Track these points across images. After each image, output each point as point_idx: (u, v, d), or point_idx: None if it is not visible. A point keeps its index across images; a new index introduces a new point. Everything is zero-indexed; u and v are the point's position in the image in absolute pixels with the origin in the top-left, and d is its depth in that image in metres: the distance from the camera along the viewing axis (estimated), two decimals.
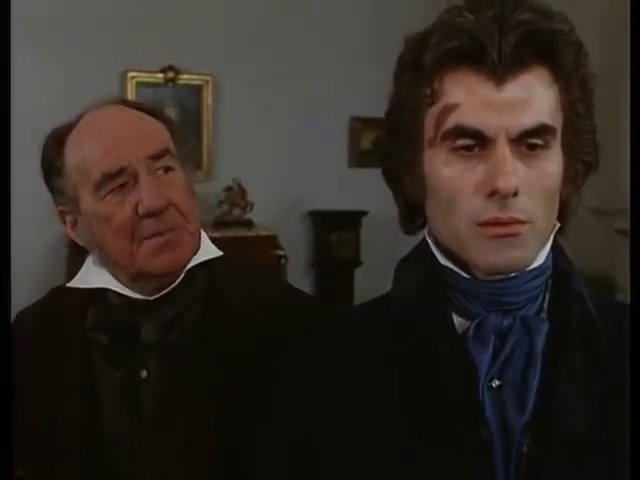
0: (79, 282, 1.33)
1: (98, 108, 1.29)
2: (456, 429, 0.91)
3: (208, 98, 5.46)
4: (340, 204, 5.74)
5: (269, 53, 5.55)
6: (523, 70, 0.89)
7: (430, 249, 1.00)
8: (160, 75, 5.31)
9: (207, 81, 5.44)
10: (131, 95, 5.11)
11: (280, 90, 5.59)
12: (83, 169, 1.22)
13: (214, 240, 1.36)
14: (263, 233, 5.29)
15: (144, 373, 1.27)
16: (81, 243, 1.31)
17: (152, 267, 1.23)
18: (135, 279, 1.26)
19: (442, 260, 0.98)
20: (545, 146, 0.91)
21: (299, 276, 5.66)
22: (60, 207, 1.30)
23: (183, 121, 5.29)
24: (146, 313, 1.28)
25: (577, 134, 0.95)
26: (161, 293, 1.28)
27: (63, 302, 1.35)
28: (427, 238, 1.02)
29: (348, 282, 5.80)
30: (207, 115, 5.48)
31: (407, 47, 0.95)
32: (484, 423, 0.91)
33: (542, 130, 0.90)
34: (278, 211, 5.65)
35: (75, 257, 1.37)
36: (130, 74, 5.18)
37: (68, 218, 1.30)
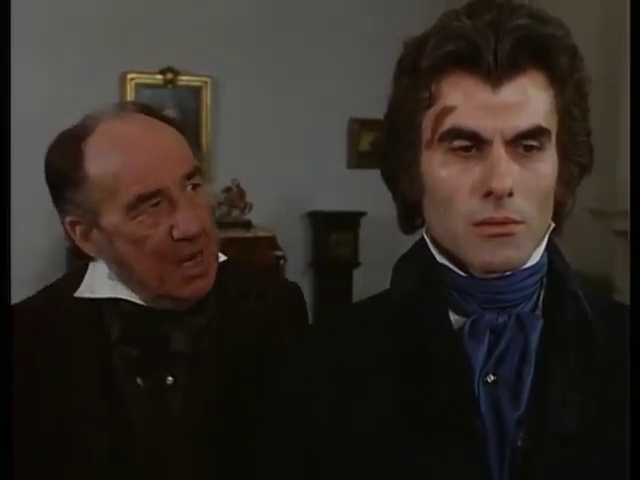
0: (87, 292, 1.29)
1: (117, 117, 1.24)
2: (451, 423, 0.93)
3: (207, 99, 5.46)
4: (339, 205, 5.74)
5: (268, 55, 5.55)
6: (519, 74, 0.91)
7: (427, 247, 1.02)
8: (159, 76, 5.31)
9: (206, 82, 5.44)
10: (130, 96, 5.11)
11: (279, 91, 5.60)
12: (112, 187, 1.18)
13: None
14: (262, 234, 5.30)
15: (170, 379, 1.26)
16: (92, 254, 1.28)
17: (182, 293, 1.23)
18: (158, 298, 1.25)
19: (439, 258, 1.00)
20: (540, 148, 0.93)
21: (298, 277, 5.66)
22: (71, 218, 1.24)
23: (182, 122, 5.29)
24: (174, 322, 1.26)
25: (572, 136, 0.96)
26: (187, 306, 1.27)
27: (62, 307, 1.30)
28: (425, 237, 1.03)
29: (347, 283, 5.80)
30: (206, 116, 5.49)
31: (406, 51, 0.97)
32: (479, 417, 0.92)
33: (537, 132, 0.91)
34: (277, 212, 5.65)
35: (75, 260, 1.32)
36: (129, 75, 5.19)
37: (79, 228, 1.25)
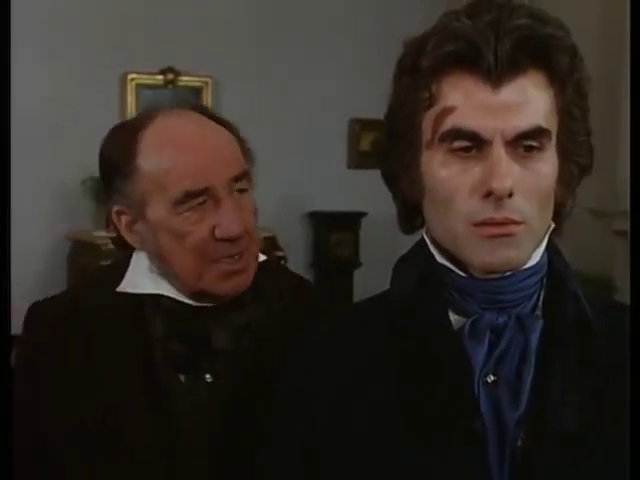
0: (129, 287, 1.30)
1: (173, 113, 1.27)
2: (451, 423, 0.93)
3: (208, 100, 5.46)
4: (339, 205, 5.75)
5: (269, 55, 5.56)
6: (519, 74, 0.91)
7: (427, 248, 1.02)
8: (160, 77, 5.32)
9: (207, 83, 5.45)
10: (130, 97, 5.12)
11: (280, 92, 5.60)
12: (161, 182, 1.21)
13: None
14: (262, 234, 5.24)
15: (208, 377, 1.27)
16: (135, 245, 1.30)
17: (219, 290, 1.24)
18: (195, 294, 1.26)
19: (439, 259, 1.00)
20: (540, 148, 0.93)
21: None
22: (118, 207, 1.27)
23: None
24: (214, 320, 1.27)
25: (572, 137, 0.97)
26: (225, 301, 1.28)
27: (105, 301, 1.31)
28: (425, 237, 1.03)
29: (347, 283, 5.80)
30: None
31: (406, 51, 0.97)
32: (479, 417, 0.93)
33: (537, 132, 0.92)
34: (277, 212, 5.65)
35: (121, 254, 1.32)
36: (130, 76, 5.19)
37: (125, 218, 1.27)
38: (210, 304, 1.28)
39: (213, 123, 1.29)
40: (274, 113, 5.59)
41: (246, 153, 1.31)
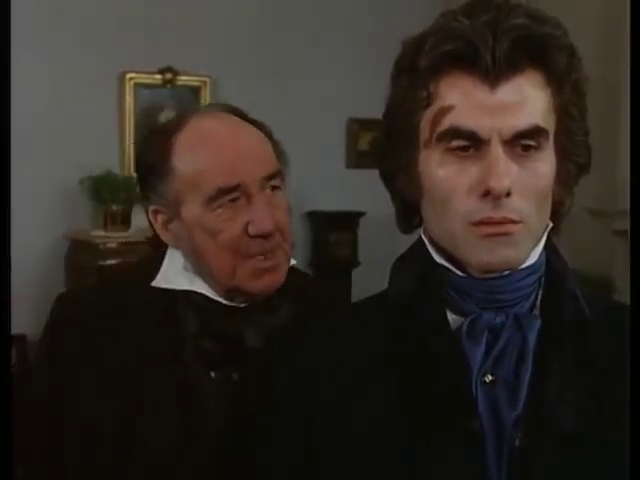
0: (163, 282, 1.32)
1: (207, 115, 1.31)
2: (450, 423, 0.93)
3: (206, 99, 5.46)
4: (338, 205, 5.74)
5: (267, 54, 5.55)
6: (516, 73, 0.91)
7: (425, 247, 1.02)
8: (158, 76, 5.31)
9: (205, 82, 5.44)
10: (129, 96, 5.11)
11: (278, 91, 5.59)
12: (195, 181, 1.24)
13: None
14: None
15: (235, 376, 1.29)
16: (171, 244, 1.33)
17: (252, 287, 1.26)
18: (229, 292, 1.28)
19: (437, 258, 1.00)
20: (538, 147, 0.93)
21: None
22: (155, 207, 1.31)
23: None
24: (247, 319, 1.29)
25: (570, 136, 0.97)
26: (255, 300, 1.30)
27: (131, 295, 1.32)
28: (422, 237, 1.03)
29: (346, 282, 5.80)
30: None
31: (404, 50, 0.98)
32: (477, 417, 0.93)
33: (535, 132, 0.92)
34: None
35: (155, 251, 1.35)
36: (128, 75, 5.18)
37: (161, 217, 1.31)
38: (243, 304, 1.30)
39: (246, 124, 1.32)
40: (272, 113, 5.51)
41: (279, 154, 1.34)
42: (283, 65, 5.61)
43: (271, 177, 1.27)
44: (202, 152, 1.25)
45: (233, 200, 1.23)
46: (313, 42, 5.67)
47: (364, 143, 5.86)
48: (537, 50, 0.92)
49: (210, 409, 1.27)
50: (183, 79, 5.38)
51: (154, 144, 1.29)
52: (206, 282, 1.30)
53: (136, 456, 1.24)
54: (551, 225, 1.01)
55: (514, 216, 0.91)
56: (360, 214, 5.74)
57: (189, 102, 5.40)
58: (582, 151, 0.99)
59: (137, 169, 1.35)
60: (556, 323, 0.97)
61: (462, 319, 0.97)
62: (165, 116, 4.78)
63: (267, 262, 1.26)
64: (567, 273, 1.02)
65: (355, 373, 1.01)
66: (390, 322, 1.01)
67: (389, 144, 1.00)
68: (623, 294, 4.13)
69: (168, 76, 5.32)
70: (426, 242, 1.02)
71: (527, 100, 0.91)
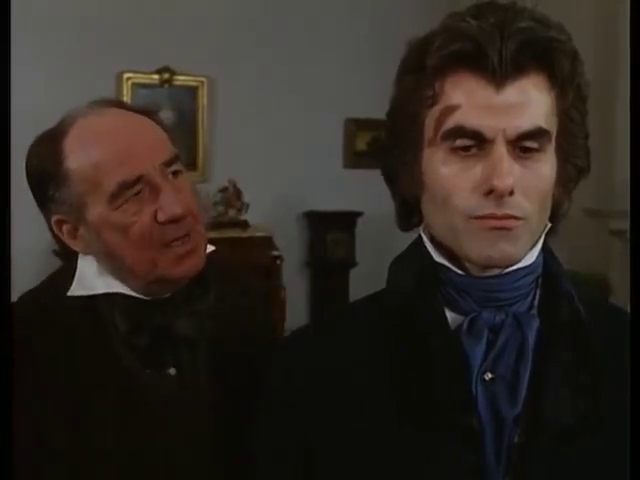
0: (80, 289, 1.29)
1: (93, 113, 1.27)
2: (449, 421, 0.94)
3: (204, 99, 5.47)
4: (335, 205, 5.75)
5: (265, 54, 5.56)
6: (522, 75, 0.92)
7: (424, 246, 1.03)
8: (156, 76, 5.31)
9: (202, 82, 5.45)
10: (127, 96, 5.11)
11: (276, 91, 5.60)
12: (94, 179, 1.20)
13: (210, 241, 1.37)
14: (258, 234, 5.30)
15: (172, 370, 1.28)
16: (82, 252, 1.29)
17: (175, 274, 1.25)
18: (151, 284, 1.26)
19: (436, 257, 1.01)
20: (540, 149, 0.94)
21: (294, 276, 5.68)
22: (57, 216, 1.26)
23: (179, 122, 5.30)
24: (174, 310, 1.28)
25: (570, 139, 0.98)
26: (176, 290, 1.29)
27: (61, 305, 1.29)
28: (422, 235, 1.04)
29: (343, 282, 5.81)
30: (202, 116, 5.49)
31: (410, 49, 0.98)
32: (476, 414, 0.93)
33: (538, 133, 0.92)
34: (274, 212, 5.65)
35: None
36: (126, 75, 5.19)
37: (66, 226, 1.26)
38: (166, 295, 1.28)
39: (134, 114, 1.29)
40: (270, 113, 5.59)
41: (174, 139, 1.31)
42: (279, 65, 5.61)
43: (170, 162, 1.25)
44: (95, 148, 1.21)
45: (137, 194, 1.21)
46: (311, 42, 5.68)
47: (362, 143, 5.87)
48: (543, 53, 0.92)
49: (153, 405, 1.26)
50: (181, 79, 5.39)
51: (43, 152, 1.25)
52: (123, 282, 1.27)
53: (89, 459, 1.22)
54: (549, 226, 1.01)
55: (517, 213, 0.92)
56: (357, 214, 5.74)
57: (187, 102, 5.41)
58: (582, 154, 0.99)
59: (30, 182, 1.28)
60: (553, 323, 0.98)
61: (461, 318, 0.98)
62: (163, 116, 4.78)
63: (184, 247, 1.24)
64: (563, 274, 1.03)
65: (353, 372, 1.01)
66: (388, 321, 1.02)
67: (393, 142, 1.01)
68: (620, 294, 4.14)
69: (166, 76, 5.32)
70: (426, 240, 1.03)
71: (531, 102, 0.92)
